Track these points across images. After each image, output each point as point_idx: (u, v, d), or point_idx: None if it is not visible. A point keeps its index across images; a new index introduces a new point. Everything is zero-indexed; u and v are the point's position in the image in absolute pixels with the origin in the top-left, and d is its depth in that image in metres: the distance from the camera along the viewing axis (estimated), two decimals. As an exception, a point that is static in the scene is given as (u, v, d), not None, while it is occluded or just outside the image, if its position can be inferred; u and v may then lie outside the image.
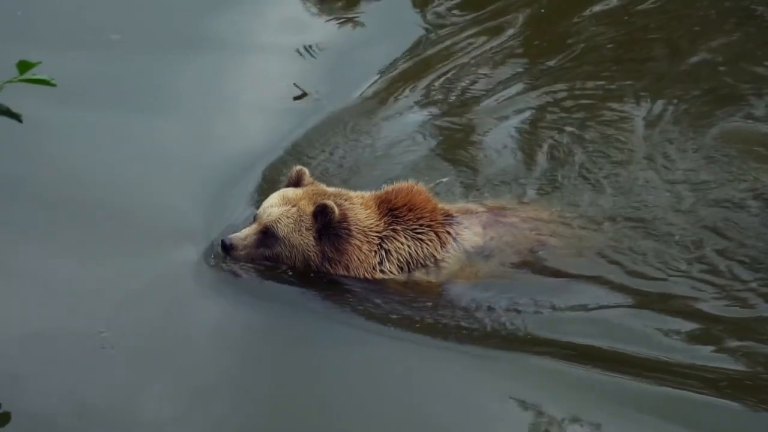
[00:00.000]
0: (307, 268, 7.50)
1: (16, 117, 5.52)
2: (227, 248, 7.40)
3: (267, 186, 8.16)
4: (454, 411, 6.66)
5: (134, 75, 9.23)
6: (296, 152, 8.73)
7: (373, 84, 9.87)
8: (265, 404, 6.71)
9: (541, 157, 8.85)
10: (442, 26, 10.81)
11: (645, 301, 7.44)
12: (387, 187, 7.73)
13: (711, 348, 7.10)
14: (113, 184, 8.23)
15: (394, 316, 7.29)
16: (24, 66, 5.39)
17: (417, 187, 7.69)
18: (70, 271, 7.53)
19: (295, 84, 9.76)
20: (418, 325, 7.24)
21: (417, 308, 7.39)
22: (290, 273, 7.52)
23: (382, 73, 10.04)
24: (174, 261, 7.65)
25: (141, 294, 7.39)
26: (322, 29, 10.53)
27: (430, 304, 7.43)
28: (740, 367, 6.91)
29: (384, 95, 9.71)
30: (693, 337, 7.17)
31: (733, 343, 7.12)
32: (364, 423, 6.60)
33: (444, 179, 8.58)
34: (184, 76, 9.48)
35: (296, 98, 9.69)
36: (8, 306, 7.06)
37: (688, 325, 7.25)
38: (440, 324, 7.25)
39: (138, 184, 8.26)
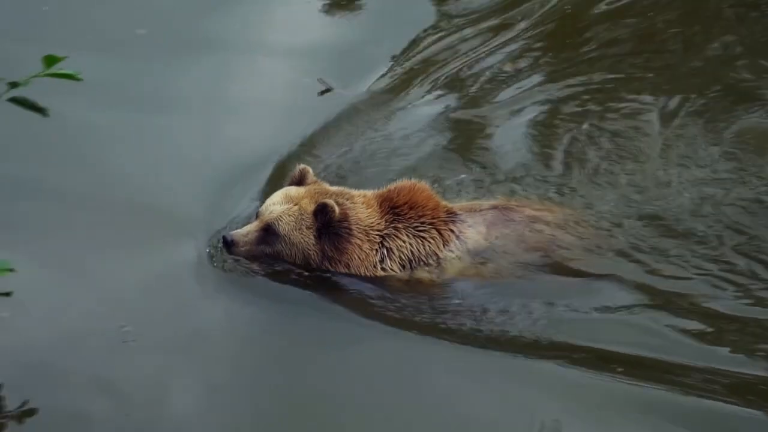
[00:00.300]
0: (308, 266, 7.55)
1: (42, 111, 5.53)
2: (228, 244, 7.46)
3: (277, 182, 8.19)
4: (459, 410, 6.65)
5: (142, 75, 9.29)
6: (308, 148, 8.77)
7: (387, 79, 9.86)
8: (277, 396, 6.77)
9: (558, 154, 8.78)
10: (457, 17, 10.75)
11: (662, 302, 7.33)
12: (389, 186, 7.73)
13: (728, 350, 7.00)
14: (127, 182, 8.34)
15: (400, 315, 7.30)
16: (50, 60, 5.43)
17: (419, 185, 7.67)
18: (89, 266, 7.63)
19: (319, 79, 9.79)
20: (422, 323, 7.24)
21: (423, 307, 7.38)
22: (306, 274, 7.55)
23: (394, 68, 10.02)
24: (188, 256, 7.70)
25: (157, 289, 7.46)
26: (334, 24, 10.53)
27: (435, 303, 7.41)
28: (759, 372, 6.78)
29: (398, 89, 9.71)
30: (712, 340, 7.07)
31: (754, 346, 6.98)
32: (373, 421, 6.63)
33: (463, 176, 8.55)
34: (193, 76, 9.51)
35: (321, 93, 9.72)
36: (29, 301, 7.07)
37: (707, 327, 7.14)
38: (447, 323, 7.24)
39: (151, 181, 8.37)
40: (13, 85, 5.43)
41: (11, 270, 5.58)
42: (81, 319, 7.17)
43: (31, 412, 6.38)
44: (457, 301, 7.42)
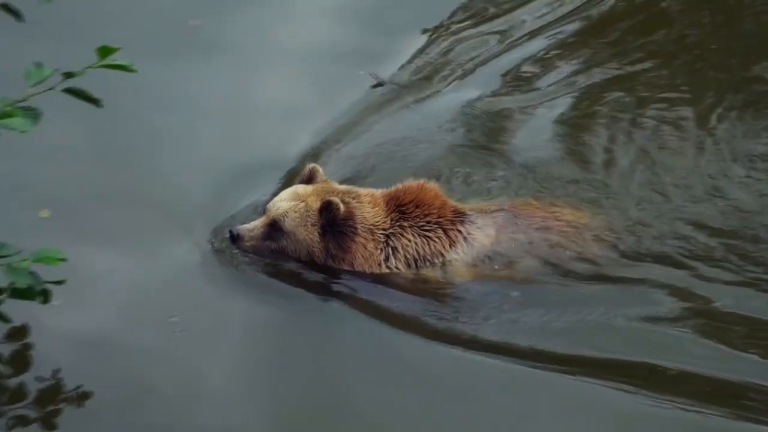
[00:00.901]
0: (312, 263, 7.62)
1: (96, 102, 5.57)
2: (234, 238, 7.59)
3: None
4: (460, 410, 6.68)
5: (155, 78, 9.41)
6: (332, 144, 8.85)
7: (412, 73, 9.82)
8: (292, 393, 6.91)
9: (592, 152, 8.64)
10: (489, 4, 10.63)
11: (696, 311, 7.18)
12: (398, 185, 7.72)
13: (756, 357, 6.84)
14: (153, 180, 8.52)
15: (406, 313, 7.35)
16: (104, 51, 5.44)
17: (427, 185, 7.65)
18: (123, 261, 7.82)
19: (370, 74, 9.83)
20: (426, 324, 7.26)
21: (429, 307, 7.40)
22: (316, 270, 7.64)
23: (421, 60, 9.96)
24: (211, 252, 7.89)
25: (191, 280, 7.65)
26: (353, 19, 10.52)
27: (441, 303, 7.42)
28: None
29: (424, 82, 9.69)
30: (739, 348, 6.92)
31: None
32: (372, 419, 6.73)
33: (501, 173, 8.48)
34: (208, 79, 9.58)
35: (373, 87, 9.76)
36: (70, 295, 6.94)
37: (729, 337, 7.00)
38: (449, 324, 7.25)
39: (176, 180, 8.51)
40: (68, 75, 5.46)
41: (63, 259, 5.60)
42: (131, 308, 7.40)
43: (86, 395, 6.61)
44: (461, 304, 7.41)
